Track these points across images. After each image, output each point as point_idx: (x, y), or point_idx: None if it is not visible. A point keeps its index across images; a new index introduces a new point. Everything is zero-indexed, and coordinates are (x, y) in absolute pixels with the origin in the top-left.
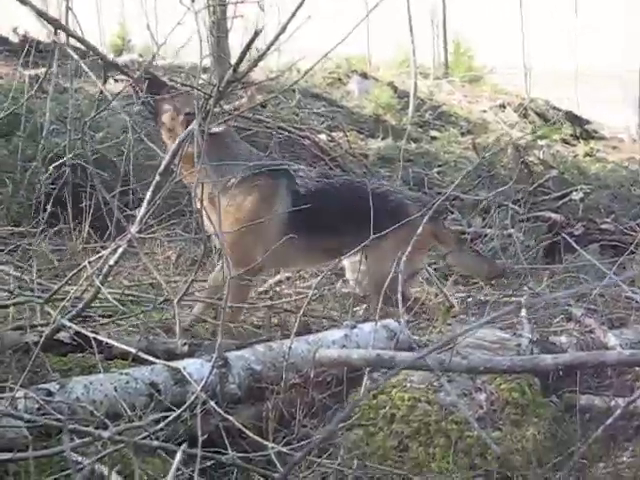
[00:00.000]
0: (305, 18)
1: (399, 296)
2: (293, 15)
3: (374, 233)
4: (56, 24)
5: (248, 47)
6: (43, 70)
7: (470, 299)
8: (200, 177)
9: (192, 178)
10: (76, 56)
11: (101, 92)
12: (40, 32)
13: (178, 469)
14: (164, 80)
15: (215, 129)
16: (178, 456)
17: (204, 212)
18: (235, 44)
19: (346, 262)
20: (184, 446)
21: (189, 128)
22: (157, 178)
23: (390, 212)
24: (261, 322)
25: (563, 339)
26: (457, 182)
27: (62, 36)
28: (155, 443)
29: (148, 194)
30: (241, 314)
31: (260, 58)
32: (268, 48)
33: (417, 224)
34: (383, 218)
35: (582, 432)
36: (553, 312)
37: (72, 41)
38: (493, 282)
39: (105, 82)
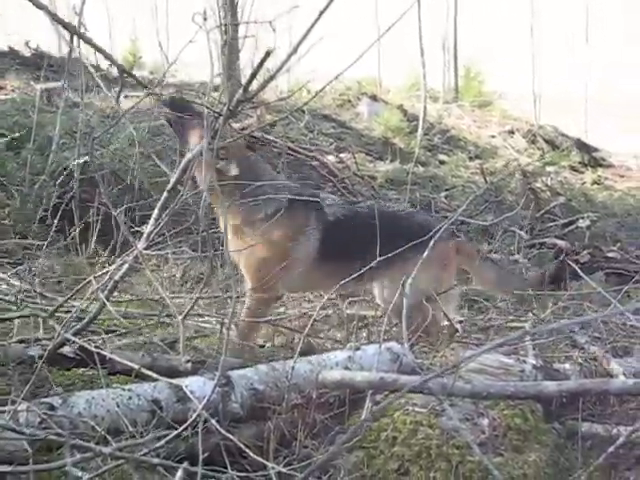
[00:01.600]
0: (317, 39)
1: (403, 319)
2: (305, 36)
3: (402, 255)
4: (72, 29)
5: (259, 67)
6: (54, 84)
7: (474, 324)
8: (230, 215)
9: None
10: (92, 69)
11: (112, 107)
12: (51, 46)
13: None
14: (190, 103)
15: (233, 171)
16: (179, 474)
17: (231, 241)
18: (246, 64)
19: (376, 286)
20: (185, 464)
21: (198, 147)
22: (165, 195)
23: (416, 233)
24: (264, 341)
25: (567, 366)
26: (464, 206)
27: (76, 48)
28: (156, 460)
29: (156, 211)
30: (253, 336)
31: (271, 78)
32: (280, 69)
33: (442, 240)
34: (411, 238)
35: (583, 460)
36: (557, 339)
37: (85, 55)
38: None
39: (118, 97)
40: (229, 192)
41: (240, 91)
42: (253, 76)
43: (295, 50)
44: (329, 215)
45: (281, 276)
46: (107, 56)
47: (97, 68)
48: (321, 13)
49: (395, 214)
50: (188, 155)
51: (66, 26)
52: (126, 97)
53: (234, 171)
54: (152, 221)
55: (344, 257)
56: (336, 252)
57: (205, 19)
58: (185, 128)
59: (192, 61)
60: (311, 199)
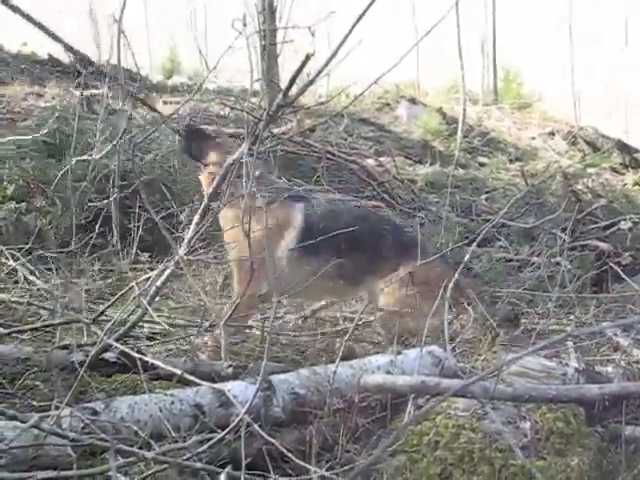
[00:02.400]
0: (356, 43)
1: (445, 323)
2: (344, 40)
3: (383, 261)
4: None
5: (299, 72)
6: (94, 91)
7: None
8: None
9: None
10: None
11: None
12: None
13: None
14: (207, 130)
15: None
16: (222, 478)
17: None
18: (285, 69)
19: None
20: (228, 468)
21: (239, 151)
22: (205, 201)
23: (404, 245)
24: (306, 347)
25: (610, 369)
26: (505, 209)
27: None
28: (198, 465)
29: (196, 216)
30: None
31: (310, 83)
32: (319, 73)
33: (430, 266)
34: (396, 250)
35: (627, 463)
36: (600, 342)
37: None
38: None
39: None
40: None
41: (280, 96)
42: (293, 80)
43: (335, 54)
44: (313, 215)
45: (264, 271)
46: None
47: (133, 79)
48: (360, 17)
49: (378, 217)
50: (228, 160)
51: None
52: (165, 103)
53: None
54: (192, 227)
55: (326, 257)
56: (319, 252)
57: (245, 25)
58: (204, 150)
59: (231, 67)
60: (299, 197)
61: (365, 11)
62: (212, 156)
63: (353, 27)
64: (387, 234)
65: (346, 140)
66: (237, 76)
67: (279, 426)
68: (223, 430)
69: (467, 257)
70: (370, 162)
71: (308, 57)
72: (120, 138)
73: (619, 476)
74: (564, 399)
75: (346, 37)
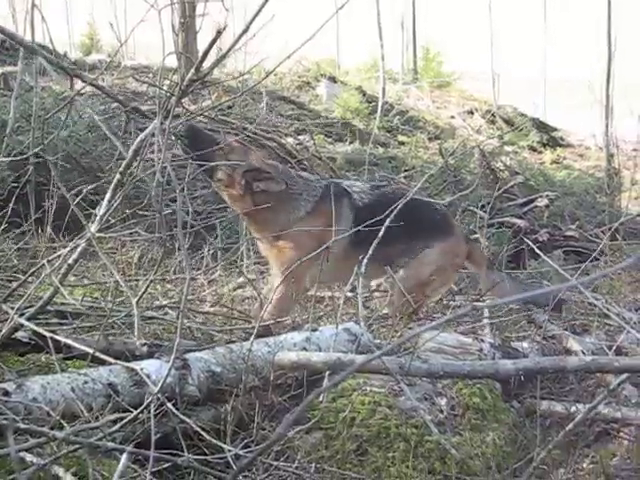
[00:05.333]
0: (270, 17)
1: (359, 299)
2: (256, 15)
3: (424, 240)
4: (75, 73)
5: (211, 46)
6: (9, 68)
7: (434, 304)
8: (268, 227)
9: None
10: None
11: (67, 90)
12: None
13: (135, 471)
14: (210, 134)
15: (278, 188)
16: (124, 457)
17: (264, 246)
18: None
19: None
20: (130, 447)
21: (149, 128)
22: (118, 176)
23: (438, 222)
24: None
25: (525, 344)
26: (419, 185)
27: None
28: (110, 444)
29: (108, 193)
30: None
31: (223, 57)
32: (231, 47)
33: (459, 238)
34: (432, 227)
35: (542, 438)
36: (515, 317)
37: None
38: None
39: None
40: (267, 209)
41: (192, 70)
42: (205, 55)
43: (247, 29)
44: (359, 201)
45: (313, 270)
46: (110, 94)
47: (51, 54)
48: None
49: (418, 200)
50: (140, 136)
51: (69, 72)
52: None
53: (278, 187)
54: (105, 203)
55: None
56: (366, 239)
57: None
58: (209, 159)
59: (153, 43)
60: (340, 190)
61: None
62: (220, 174)
63: (266, 1)
64: (424, 214)
65: (265, 118)
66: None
67: (195, 405)
68: (138, 410)
69: (381, 233)
70: (289, 140)
71: (220, 32)
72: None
73: (534, 450)
74: (479, 375)
75: (258, 12)
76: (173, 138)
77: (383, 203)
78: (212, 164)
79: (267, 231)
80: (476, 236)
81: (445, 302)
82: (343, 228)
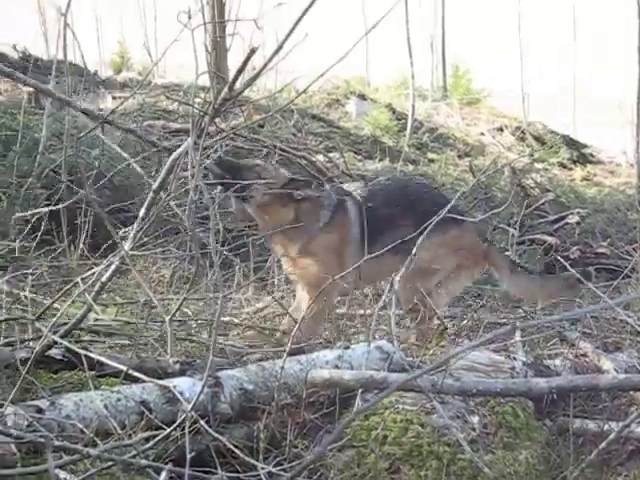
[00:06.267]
0: (302, 37)
1: (392, 317)
2: (289, 34)
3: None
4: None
5: (244, 65)
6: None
7: (465, 321)
8: (297, 237)
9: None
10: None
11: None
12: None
13: None
14: (236, 161)
15: (313, 192)
16: (163, 475)
17: (290, 260)
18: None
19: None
20: (169, 465)
21: (182, 146)
22: (151, 195)
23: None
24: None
25: (557, 362)
26: (452, 203)
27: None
28: (144, 462)
29: (141, 211)
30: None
31: (256, 76)
32: (264, 66)
33: (467, 228)
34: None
35: (575, 456)
36: (548, 335)
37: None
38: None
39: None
40: (303, 217)
41: (225, 89)
42: (238, 74)
43: (280, 48)
44: (359, 197)
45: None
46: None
47: (82, 73)
48: (305, 10)
49: (426, 192)
50: (173, 155)
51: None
52: (114, 98)
53: (315, 192)
54: (138, 221)
55: (381, 235)
56: (375, 231)
57: (189, 17)
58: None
59: (184, 62)
60: (343, 194)
61: (310, 5)
62: (259, 195)
63: (298, 21)
64: (432, 205)
65: (295, 136)
66: (189, 72)
67: (227, 422)
68: (170, 427)
69: (414, 250)
70: (319, 158)
71: (253, 51)
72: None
73: (567, 469)
74: (511, 393)
75: (291, 31)
76: (205, 168)
77: (377, 192)
78: (246, 181)
79: (297, 242)
80: (507, 253)
81: (474, 318)
82: (355, 231)
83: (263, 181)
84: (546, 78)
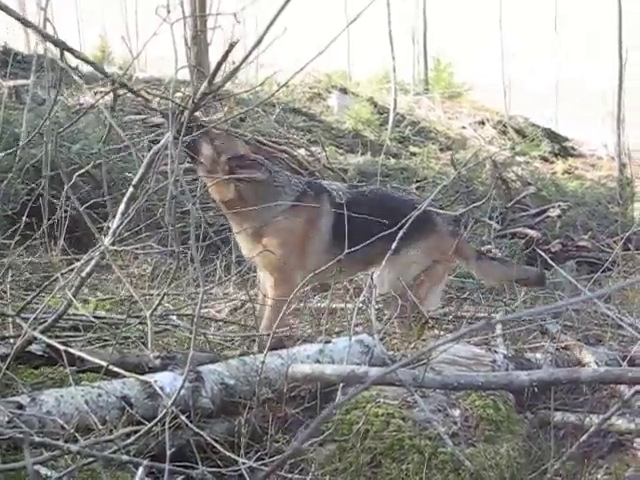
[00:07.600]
0: (282, 30)
1: (372, 310)
2: (268, 27)
3: (404, 240)
4: (62, 46)
5: (224, 59)
6: (22, 81)
7: (446, 315)
8: (249, 219)
9: (238, 220)
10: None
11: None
12: (19, 43)
13: None
14: (202, 121)
15: (258, 176)
16: (140, 471)
17: (247, 244)
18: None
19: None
20: (146, 461)
21: (162, 141)
22: (131, 190)
23: (418, 220)
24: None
25: (538, 355)
26: (432, 196)
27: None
28: (124, 457)
29: (121, 206)
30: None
31: (236, 70)
32: (244, 60)
33: (443, 233)
34: (413, 226)
35: (556, 449)
36: (529, 329)
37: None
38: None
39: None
40: (249, 198)
41: (205, 83)
42: (217, 68)
43: (260, 41)
44: (337, 199)
45: (301, 266)
46: (99, 70)
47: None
48: (284, 5)
49: (397, 200)
50: (153, 149)
51: (56, 43)
52: (97, 93)
53: (262, 176)
54: (118, 216)
55: (353, 241)
56: (346, 235)
57: (168, 12)
58: (195, 145)
59: (164, 55)
60: (320, 188)
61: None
62: (203, 157)
63: (277, 14)
64: (404, 213)
65: (277, 130)
66: (169, 64)
67: (209, 417)
68: (151, 422)
69: (394, 245)
70: (301, 152)
71: (233, 45)
72: (43, 127)
73: (548, 462)
74: (493, 386)
75: (270, 24)
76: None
77: (361, 201)
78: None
79: (248, 224)
80: (489, 247)
81: (456, 312)
82: (324, 224)
83: (210, 148)
84: (537, 75)
